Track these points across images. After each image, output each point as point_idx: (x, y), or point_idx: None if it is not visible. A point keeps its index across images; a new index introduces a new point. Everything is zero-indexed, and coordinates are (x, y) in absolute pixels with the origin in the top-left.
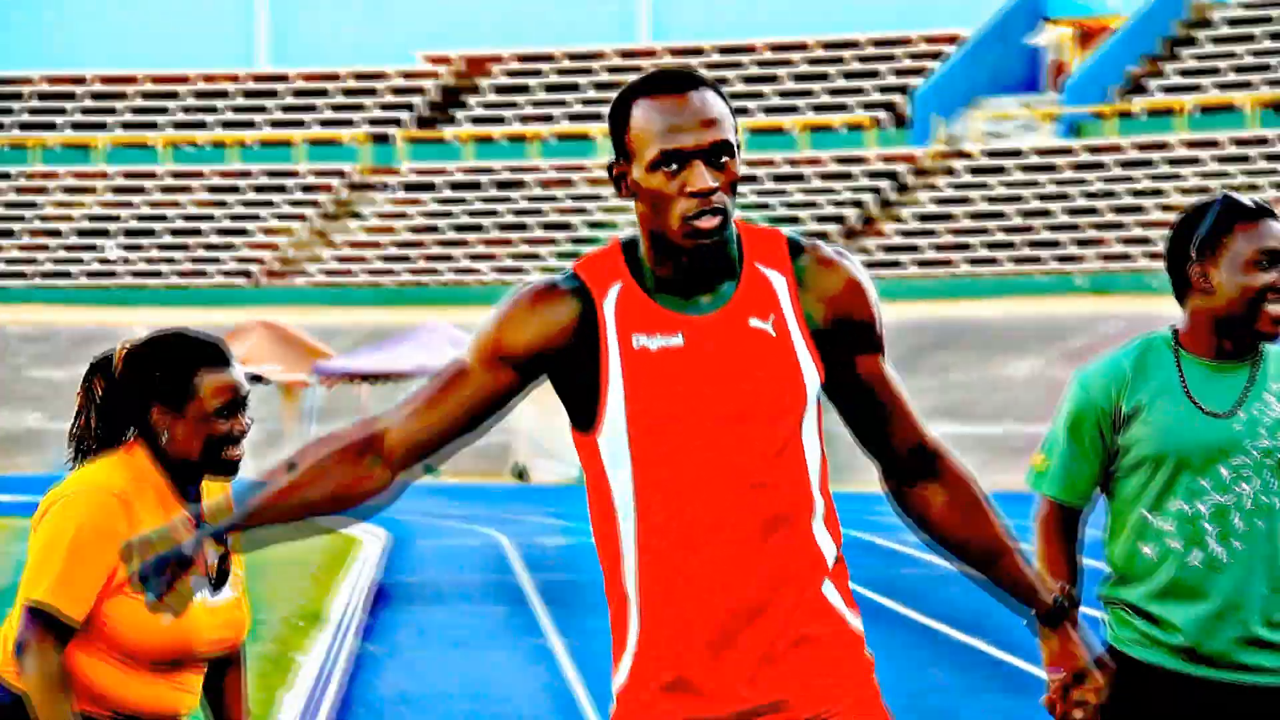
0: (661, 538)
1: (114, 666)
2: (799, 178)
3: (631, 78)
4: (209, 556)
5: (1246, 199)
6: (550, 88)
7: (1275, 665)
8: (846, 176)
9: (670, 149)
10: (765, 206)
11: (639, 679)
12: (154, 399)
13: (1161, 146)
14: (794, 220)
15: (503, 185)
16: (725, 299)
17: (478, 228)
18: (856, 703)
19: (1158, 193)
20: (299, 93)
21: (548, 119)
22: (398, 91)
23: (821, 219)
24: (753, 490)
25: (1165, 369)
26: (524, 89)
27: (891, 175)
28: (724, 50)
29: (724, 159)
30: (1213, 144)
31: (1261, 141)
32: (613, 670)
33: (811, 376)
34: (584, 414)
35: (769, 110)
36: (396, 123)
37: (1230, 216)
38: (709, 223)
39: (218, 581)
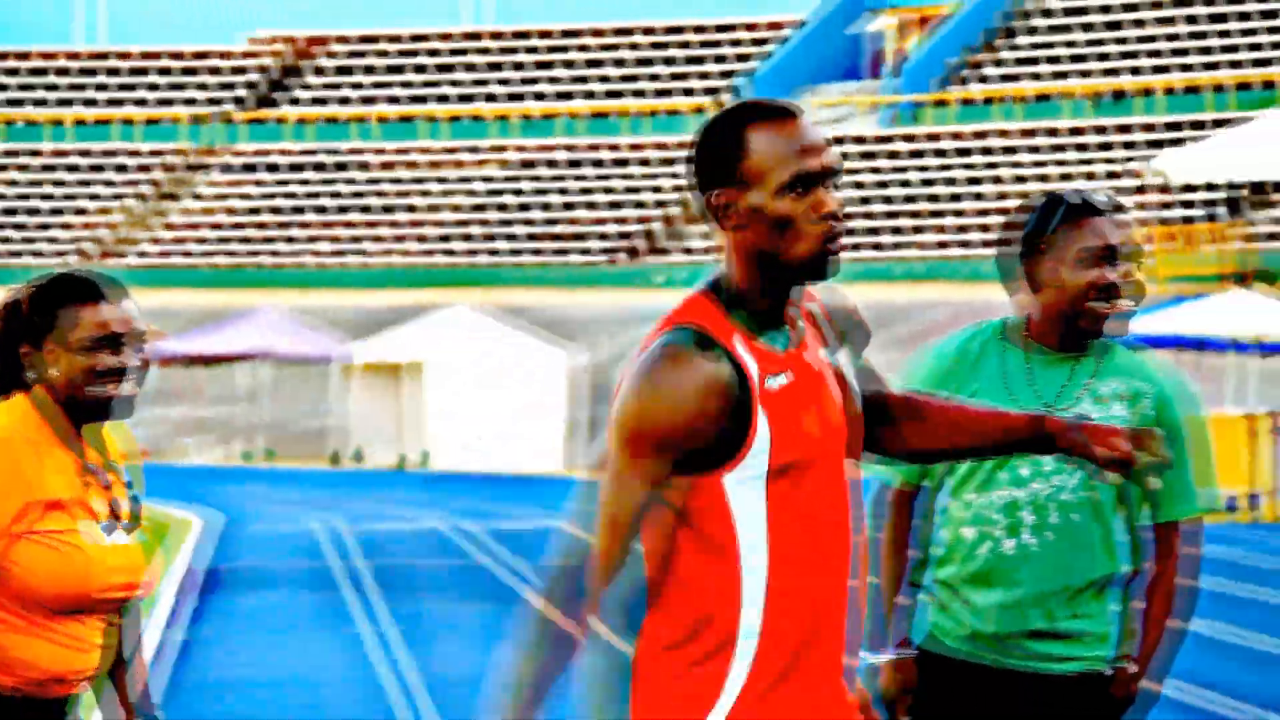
0: (788, 576)
1: (15, 624)
2: (625, 163)
3: (471, 60)
4: (120, 500)
5: (1077, 195)
6: (388, 69)
7: (1073, 655)
8: (675, 163)
9: (803, 171)
10: (609, 190)
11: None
12: (23, 334)
13: (988, 135)
14: (638, 204)
15: (339, 166)
16: (793, 335)
17: (313, 209)
18: None
19: (985, 180)
20: (134, 70)
21: (385, 100)
22: (234, 71)
23: (661, 203)
24: (849, 523)
25: (992, 359)
26: (361, 69)
27: None
28: (566, 33)
29: (837, 182)
30: (1041, 132)
31: (1092, 130)
32: (698, 714)
33: (858, 406)
34: (711, 457)
35: (607, 95)
36: (233, 102)
37: (1057, 214)
38: (840, 244)
39: (130, 525)
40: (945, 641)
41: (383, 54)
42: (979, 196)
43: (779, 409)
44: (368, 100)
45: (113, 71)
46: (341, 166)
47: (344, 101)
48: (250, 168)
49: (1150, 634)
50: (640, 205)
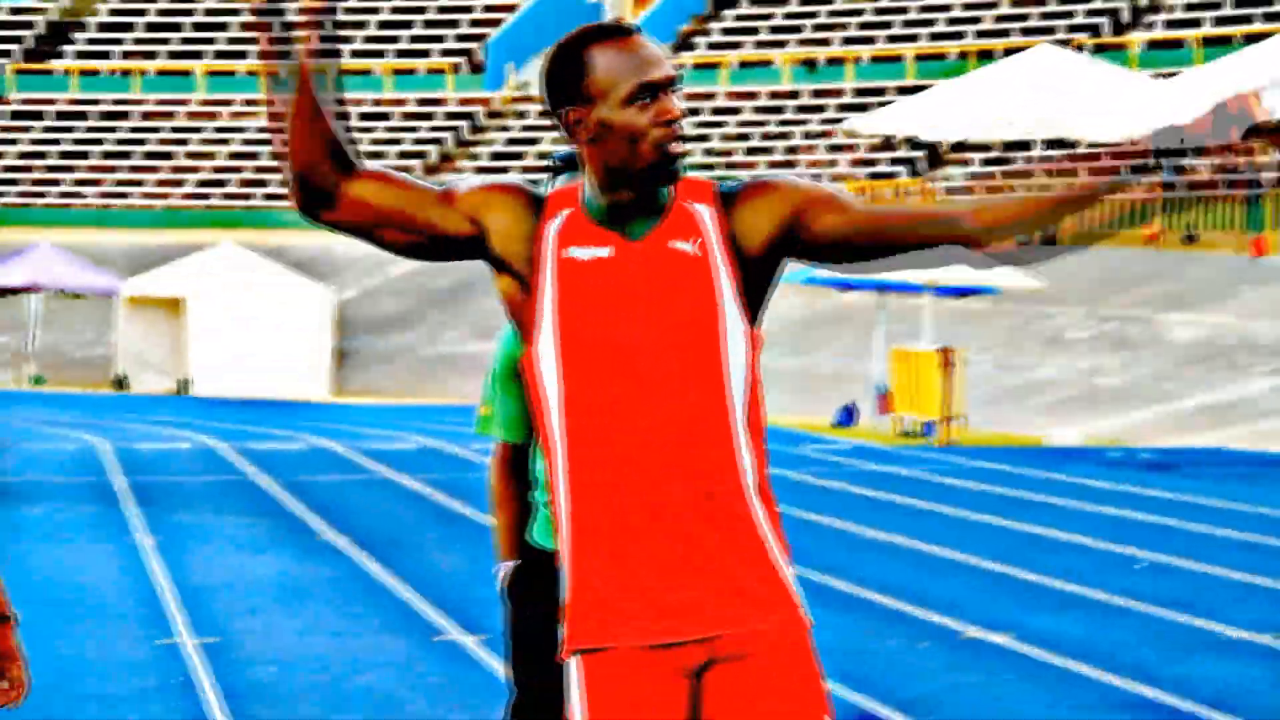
0: (591, 468)
1: None
2: (385, 116)
3: (234, 20)
4: None
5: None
6: (151, 26)
7: None
8: (427, 117)
9: (646, 81)
10: (353, 143)
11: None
12: None
13: (708, 97)
14: (379, 155)
15: (107, 115)
16: (654, 226)
17: (84, 155)
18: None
19: (703, 139)
20: None
21: (150, 55)
22: (5, 25)
23: (404, 155)
24: (674, 417)
25: None
26: (127, 27)
27: (468, 116)
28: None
29: (678, 90)
30: (751, 95)
31: (793, 95)
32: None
33: (732, 300)
34: (524, 327)
35: (357, 54)
36: (5, 54)
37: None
38: (680, 148)
39: None
40: (544, 542)
41: (147, 13)
42: (694, 154)
43: (572, 275)
44: (132, 55)
45: None
46: (110, 115)
47: (111, 56)
48: (22, 115)
49: None
50: (383, 156)
